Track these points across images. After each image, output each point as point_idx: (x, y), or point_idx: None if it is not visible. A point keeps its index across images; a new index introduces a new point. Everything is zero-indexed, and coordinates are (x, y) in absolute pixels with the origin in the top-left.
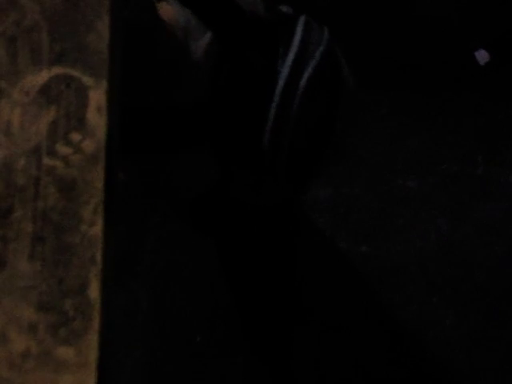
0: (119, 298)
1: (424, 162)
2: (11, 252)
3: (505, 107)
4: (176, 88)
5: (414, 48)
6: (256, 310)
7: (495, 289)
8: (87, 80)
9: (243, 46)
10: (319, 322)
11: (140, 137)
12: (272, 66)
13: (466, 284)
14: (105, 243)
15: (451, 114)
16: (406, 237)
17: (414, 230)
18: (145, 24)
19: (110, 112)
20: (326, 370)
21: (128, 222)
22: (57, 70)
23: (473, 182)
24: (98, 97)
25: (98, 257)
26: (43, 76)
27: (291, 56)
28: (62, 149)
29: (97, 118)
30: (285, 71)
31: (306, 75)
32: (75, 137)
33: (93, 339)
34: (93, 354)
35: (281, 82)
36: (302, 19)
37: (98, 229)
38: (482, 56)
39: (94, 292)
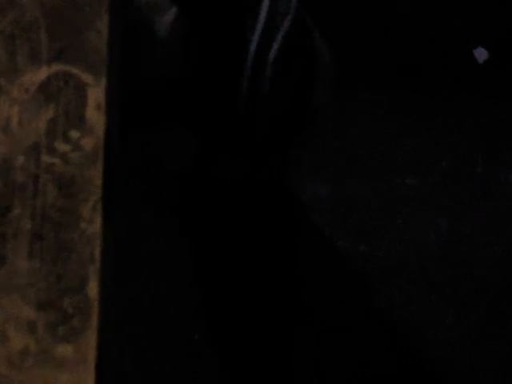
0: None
1: (424, 162)
2: (10, 250)
3: (505, 107)
4: (142, 67)
5: (412, 48)
6: (256, 310)
7: (495, 288)
8: (86, 78)
9: (211, 20)
10: (319, 322)
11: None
12: (242, 37)
13: (465, 283)
14: (104, 241)
15: (451, 114)
16: (406, 236)
17: (413, 230)
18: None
19: (109, 109)
20: (326, 370)
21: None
22: (56, 68)
23: (473, 182)
24: (97, 94)
25: (97, 254)
26: (42, 73)
27: (259, 26)
28: (61, 146)
29: (96, 115)
30: (254, 43)
31: (275, 45)
32: (74, 134)
33: (92, 337)
34: (92, 352)
35: (250, 54)
36: None
37: (96, 226)
38: (481, 54)
39: (93, 290)
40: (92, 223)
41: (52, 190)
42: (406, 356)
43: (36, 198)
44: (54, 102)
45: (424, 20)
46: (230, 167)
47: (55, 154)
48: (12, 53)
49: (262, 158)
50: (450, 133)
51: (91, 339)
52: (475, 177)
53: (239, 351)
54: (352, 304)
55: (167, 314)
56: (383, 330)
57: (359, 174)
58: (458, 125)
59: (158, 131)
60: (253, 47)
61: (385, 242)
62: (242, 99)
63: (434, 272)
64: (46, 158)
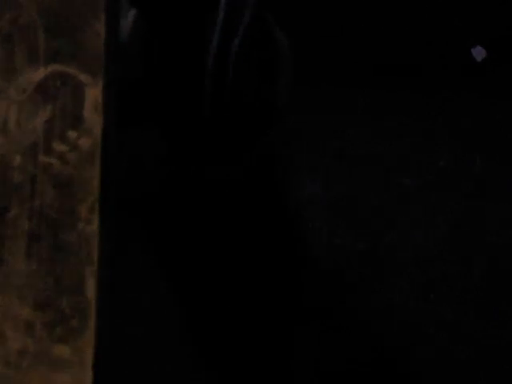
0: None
1: (422, 161)
2: (7, 250)
3: (503, 107)
4: None
5: (411, 47)
6: (256, 310)
7: (495, 288)
8: (84, 78)
9: (170, 19)
10: (319, 322)
11: None
12: (202, 35)
13: (465, 283)
14: (101, 241)
15: (449, 113)
16: (405, 235)
17: (412, 229)
18: None
19: (107, 110)
20: (326, 369)
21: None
22: (53, 68)
23: (471, 181)
24: (94, 94)
25: (95, 255)
26: (39, 74)
27: (219, 22)
28: (59, 146)
29: (93, 115)
30: (214, 39)
31: (236, 40)
32: (71, 134)
33: (89, 337)
34: (89, 353)
35: (212, 50)
36: None
37: (94, 227)
38: (479, 52)
39: (91, 290)
40: (89, 223)
41: (49, 190)
42: (405, 356)
43: (33, 199)
44: (51, 102)
45: (424, 20)
46: (204, 168)
47: (53, 154)
48: (9, 53)
49: (232, 158)
50: (448, 132)
51: (89, 339)
52: (473, 176)
53: (239, 351)
54: (352, 304)
55: (167, 313)
56: (383, 330)
57: (359, 173)
58: (456, 125)
59: (124, 132)
60: (214, 43)
61: (383, 241)
62: (206, 97)
63: (432, 271)
64: (43, 159)
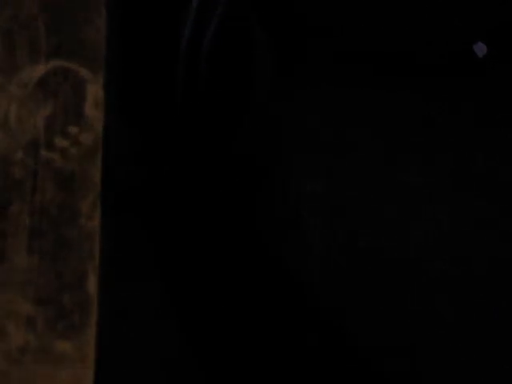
0: (118, 297)
1: (424, 159)
2: (9, 246)
3: (505, 105)
4: None
5: (411, 48)
6: (256, 310)
7: (495, 288)
8: (85, 73)
9: (142, 14)
10: (319, 322)
11: None
12: (175, 27)
13: (466, 282)
14: (103, 237)
15: (451, 112)
16: (405, 233)
17: (413, 228)
18: None
19: (108, 105)
20: (326, 369)
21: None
22: (54, 64)
23: (472, 180)
24: (95, 90)
25: (96, 251)
26: (40, 69)
27: (191, 15)
28: (60, 142)
29: (94, 111)
30: (187, 30)
31: (209, 35)
32: (73, 130)
33: (91, 333)
34: (91, 349)
35: (184, 42)
36: None
37: (95, 223)
38: (480, 48)
39: (92, 286)
40: (91, 219)
41: (51, 185)
42: (405, 356)
43: (35, 194)
44: (52, 98)
45: (424, 20)
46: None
47: (54, 149)
48: (10, 49)
49: (209, 154)
50: (450, 130)
51: (90, 336)
52: (475, 175)
53: (239, 351)
54: (352, 304)
55: (169, 310)
56: (383, 330)
57: (358, 170)
58: (457, 122)
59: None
60: (186, 35)
61: (384, 239)
62: (179, 90)
63: (433, 269)
64: (44, 154)
